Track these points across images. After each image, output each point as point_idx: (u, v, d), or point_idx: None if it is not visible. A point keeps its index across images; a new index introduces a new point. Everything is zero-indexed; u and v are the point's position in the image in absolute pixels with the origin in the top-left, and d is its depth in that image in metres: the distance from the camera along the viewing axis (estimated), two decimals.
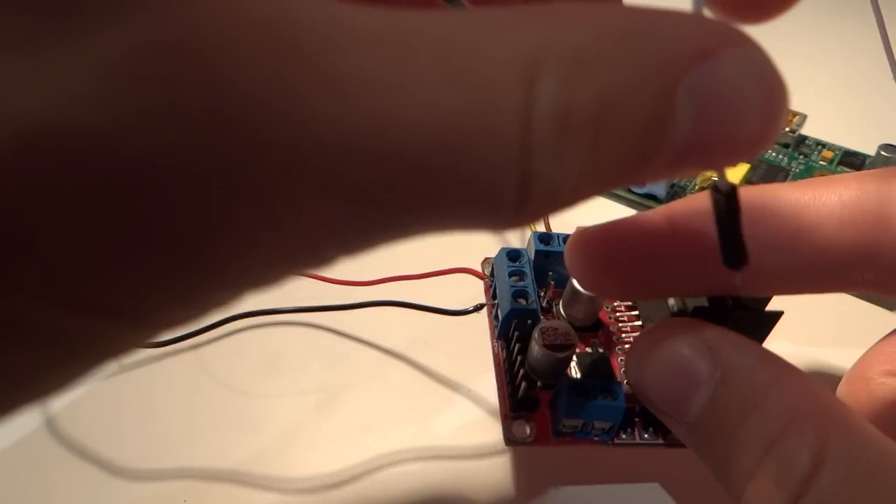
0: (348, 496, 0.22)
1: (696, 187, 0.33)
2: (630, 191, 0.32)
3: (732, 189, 0.14)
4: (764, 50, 0.11)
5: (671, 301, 0.20)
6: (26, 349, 0.08)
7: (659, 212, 0.18)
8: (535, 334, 0.20)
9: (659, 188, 0.32)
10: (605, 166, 0.11)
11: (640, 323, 0.23)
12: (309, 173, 0.09)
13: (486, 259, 0.24)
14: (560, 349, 0.20)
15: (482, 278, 0.24)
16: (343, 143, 0.09)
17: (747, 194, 0.17)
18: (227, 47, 0.08)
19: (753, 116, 0.11)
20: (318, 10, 0.09)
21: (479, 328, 0.24)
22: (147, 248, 0.08)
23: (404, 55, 0.09)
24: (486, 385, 0.26)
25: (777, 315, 0.18)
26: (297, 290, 0.26)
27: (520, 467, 0.24)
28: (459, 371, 0.26)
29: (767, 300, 0.19)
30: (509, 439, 0.20)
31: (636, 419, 0.21)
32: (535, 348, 0.20)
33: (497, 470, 0.24)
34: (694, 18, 0.11)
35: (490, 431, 0.25)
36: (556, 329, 0.20)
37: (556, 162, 0.10)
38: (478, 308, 0.22)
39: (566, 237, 0.23)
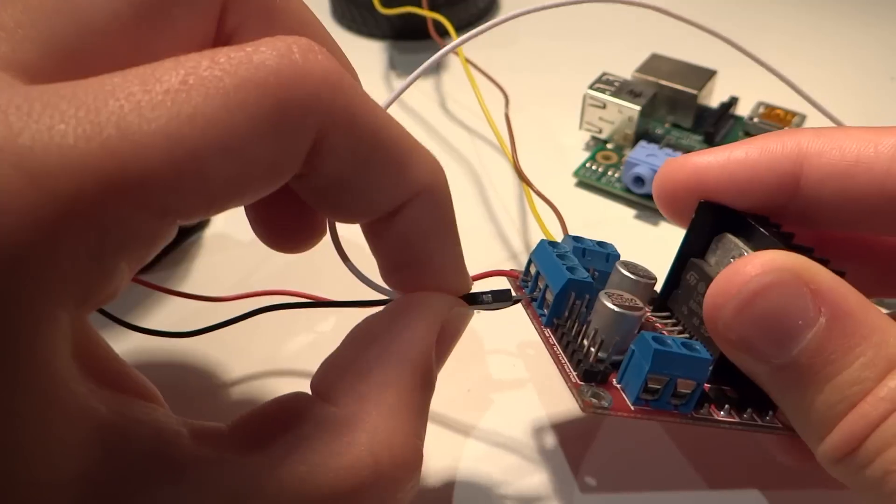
0: None
1: None
2: (629, 191, 0.32)
3: None
4: None
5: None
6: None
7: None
8: (603, 299, 0.19)
9: None
10: None
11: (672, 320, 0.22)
12: None
13: (512, 270, 0.23)
14: (633, 309, 0.19)
15: (516, 277, 0.22)
16: None
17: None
18: None
19: None
20: None
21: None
22: None
23: None
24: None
25: None
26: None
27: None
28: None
29: None
30: (587, 405, 0.18)
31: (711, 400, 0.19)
32: (606, 312, 0.19)
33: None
34: None
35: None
36: (620, 294, 0.19)
37: None
38: (516, 300, 0.21)
39: (597, 242, 0.23)
